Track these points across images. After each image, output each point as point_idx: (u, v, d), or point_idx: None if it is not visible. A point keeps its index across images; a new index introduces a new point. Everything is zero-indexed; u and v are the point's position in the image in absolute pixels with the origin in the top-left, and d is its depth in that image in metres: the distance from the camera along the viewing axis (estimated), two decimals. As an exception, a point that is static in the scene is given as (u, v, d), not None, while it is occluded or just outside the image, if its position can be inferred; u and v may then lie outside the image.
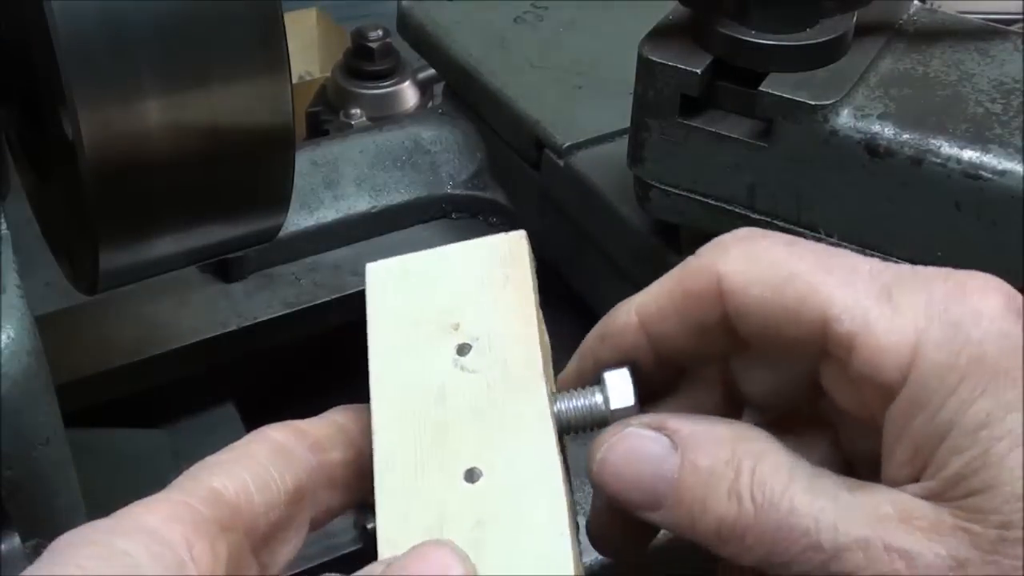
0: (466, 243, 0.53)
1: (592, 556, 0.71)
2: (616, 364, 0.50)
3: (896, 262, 0.46)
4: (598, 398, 0.49)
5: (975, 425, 0.41)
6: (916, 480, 0.43)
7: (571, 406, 0.49)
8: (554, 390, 0.50)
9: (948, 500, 0.42)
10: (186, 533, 0.43)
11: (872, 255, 0.49)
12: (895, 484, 0.44)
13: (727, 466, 0.45)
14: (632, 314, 0.49)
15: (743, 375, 0.51)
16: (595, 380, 0.50)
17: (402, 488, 0.46)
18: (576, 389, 0.50)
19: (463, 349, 0.50)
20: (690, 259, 0.48)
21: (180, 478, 0.46)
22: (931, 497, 0.43)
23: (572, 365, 0.52)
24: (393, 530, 0.45)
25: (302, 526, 0.49)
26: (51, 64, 0.56)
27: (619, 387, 0.49)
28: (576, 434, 0.50)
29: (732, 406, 0.52)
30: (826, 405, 0.49)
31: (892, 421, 0.44)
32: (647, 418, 0.48)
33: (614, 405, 0.49)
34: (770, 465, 0.45)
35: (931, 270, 0.45)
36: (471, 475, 0.46)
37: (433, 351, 0.50)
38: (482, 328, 0.50)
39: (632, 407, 0.49)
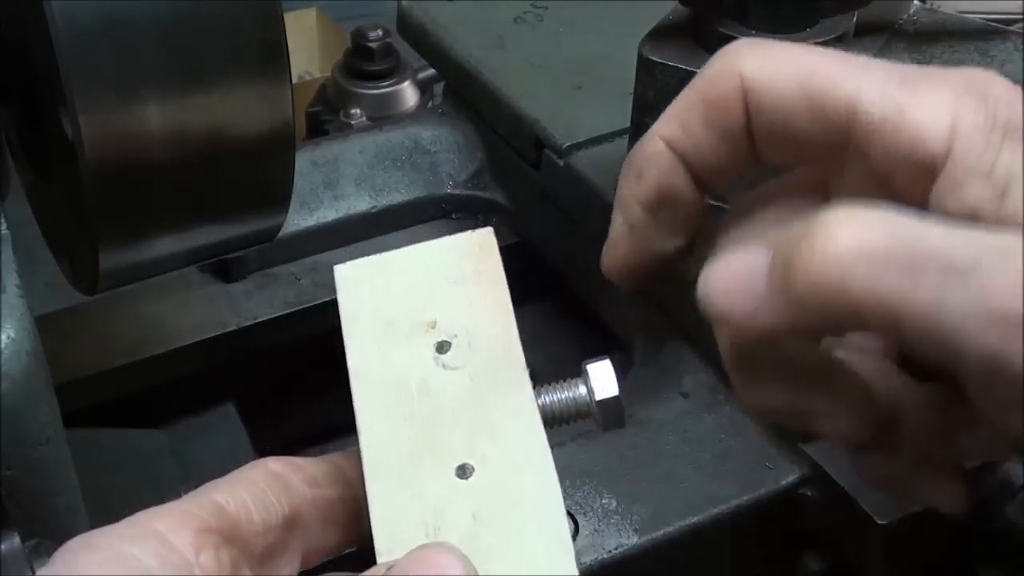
0: (434, 241, 0.53)
1: (592, 556, 0.71)
2: (658, 203, 0.49)
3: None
4: (581, 389, 0.49)
5: None
6: None
7: (555, 398, 0.49)
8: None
9: None
10: (192, 539, 0.44)
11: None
12: None
13: (823, 222, 0.40)
14: (658, 141, 0.49)
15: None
16: (577, 372, 0.50)
17: (394, 486, 0.46)
18: (558, 381, 0.50)
19: (442, 347, 0.50)
20: (705, 69, 0.48)
21: (186, 494, 0.47)
22: None
23: (617, 218, 0.51)
24: (388, 529, 0.45)
25: (295, 557, 0.49)
26: (51, 64, 0.56)
27: (602, 377, 0.49)
28: (560, 426, 0.50)
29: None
30: None
31: (941, 196, 0.42)
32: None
33: (598, 396, 0.49)
34: (863, 207, 0.40)
35: (935, 67, 0.45)
36: (463, 470, 0.46)
37: (412, 350, 0.50)
38: (459, 325, 0.50)
39: (616, 396, 0.49)
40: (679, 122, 0.48)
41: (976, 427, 0.46)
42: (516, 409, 0.48)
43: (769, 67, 0.45)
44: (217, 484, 0.48)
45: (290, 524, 0.48)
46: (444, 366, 0.49)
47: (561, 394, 0.49)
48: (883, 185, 0.44)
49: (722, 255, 0.44)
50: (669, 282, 0.53)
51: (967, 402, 0.41)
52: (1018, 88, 0.44)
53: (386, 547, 0.45)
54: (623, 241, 0.51)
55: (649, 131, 0.49)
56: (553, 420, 0.49)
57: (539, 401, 0.49)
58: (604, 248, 0.52)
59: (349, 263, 0.53)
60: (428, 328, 0.50)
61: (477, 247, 0.53)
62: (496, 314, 0.51)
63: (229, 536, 0.46)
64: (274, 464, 0.49)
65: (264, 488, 0.48)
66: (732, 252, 0.44)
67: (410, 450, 0.47)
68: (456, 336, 0.50)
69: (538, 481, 0.46)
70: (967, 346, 0.37)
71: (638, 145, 0.50)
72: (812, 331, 0.44)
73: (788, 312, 0.41)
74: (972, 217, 0.41)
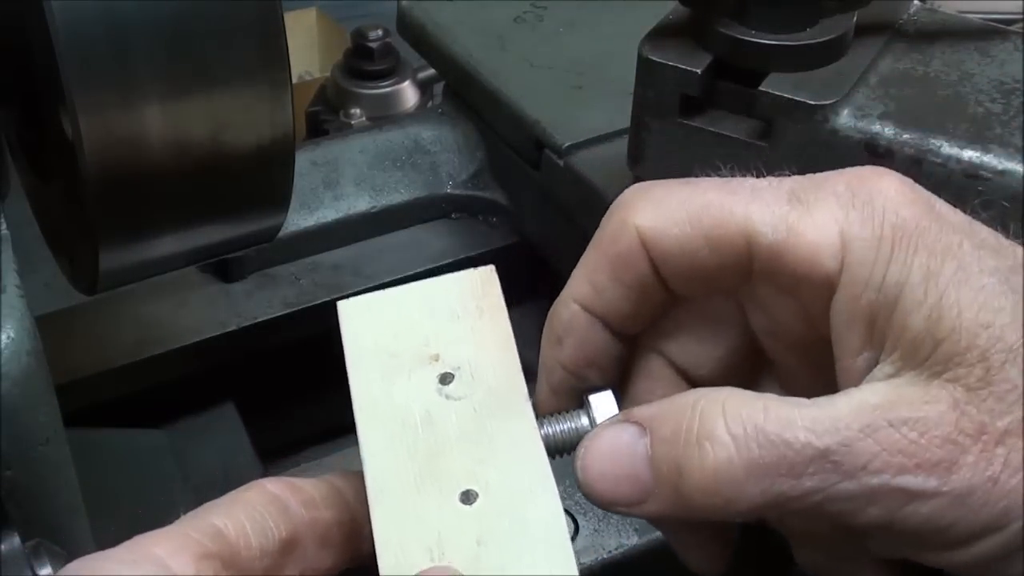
0: (437, 278, 0.54)
1: (592, 556, 0.71)
2: (582, 365, 0.50)
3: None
4: (583, 420, 0.50)
5: (921, 278, 0.43)
6: (877, 363, 0.44)
7: (557, 429, 0.50)
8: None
9: (920, 362, 0.43)
10: (191, 564, 0.44)
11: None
12: (859, 378, 0.45)
13: (692, 422, 0.45)
14: (571, 304, 0.50)
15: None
16: (579, 403, 0.51)
17: (398, 513, 0.46)
18: (561, 412, 0.51)
19: (445, 378, 0.50)
20: (603, 226, 0.49)
21: (183, 517, 0.47)
22: (902, 368, 0.43)
23: (542, 382, 0.53)
24: (393, 555, 0.45)
25: None
26: (51, 64, 0.56)
27: (603, 408, 0.50)
28: (562, 456, 0.50)
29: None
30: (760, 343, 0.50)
31: (839, 311, 0.45)
32: (617, 416, 0.49)
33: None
34: (738, 400, 0.44)
35: (822, 174, 0.47)
36: (467, 497, 0.47)
37: (415, 381, 0.50)
38: (462, 357, 0.51)
39: None
40: (590, 283, 0.50)
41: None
42: (519, 438, 0.48)
43: (662, 214, 0.47)
44: (215, 506, 0.48)
45: (287, 548, 0.48)
46: (447, 397, 0.50)
47: (563, 424, 0.50)
48: (791, 297, 0.47)
49: (597, 430, 0.48)
50: None
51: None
52: (907, 182, 0.45)
53: (390, 571, 0.45)
54: (549, 406, 0.52)
55: (562, 295, 0.51)
56: (555, 449, 0.50)
57: (542, 431, 0.49)
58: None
59: (352, 299, 0.54)
60: (431, 360, 0.51)
61: (479, 284, 0.54)
62: (498, 347, 0.51)
63: (227, 560, 0.46)
64: (272, 486, 0.49)
65: (262, 511, 0.48)
66: (605, 427, 0.48)
67: (414, 478, 0.47)
68: (459, 368, 0.51)
69: (542, 508, 0.46)
70: (856, 520, 0.43)
71: (553, 309, 0.51)
72: (701, 518, 0.47)
73: (678, 507, 0.45)
74: (871, 325, 0.44)
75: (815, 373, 0.48)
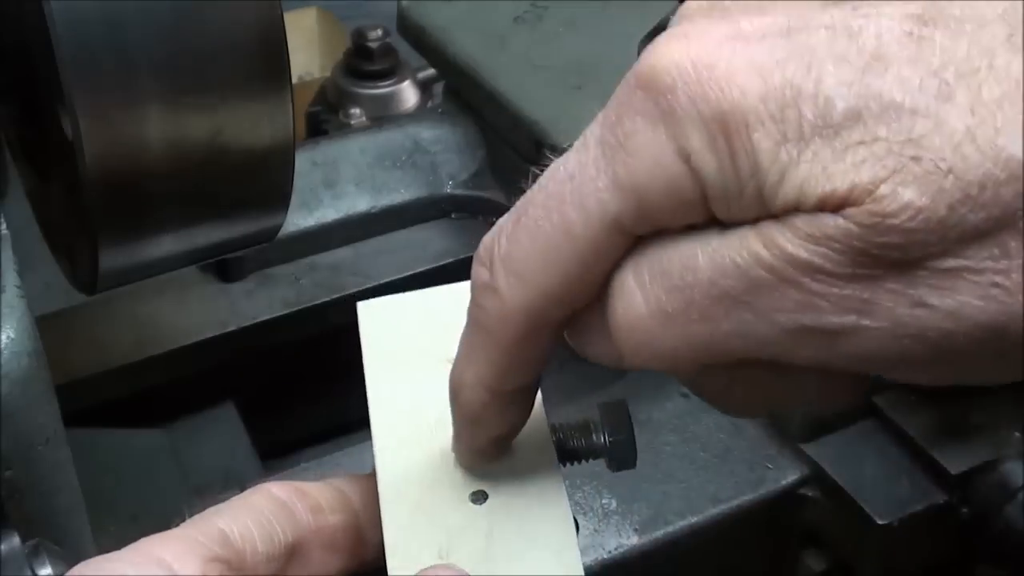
0: (454, 284, 0.54)
1: (592, 556, 0.71)
2: (508, 433, 0.48)
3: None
4: (595, 430, 0.50)
5: (770, 149, 0.36)
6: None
7: (569, 436, 0.50)
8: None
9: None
10: (197, 567, 0.44)
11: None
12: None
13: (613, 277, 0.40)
14: (479, 391, 0.46)
15: None
16: (591, 412, 0.51)
17: (408, 510, 0.47)
18: (573, 421, 0.51)
19: None
20: (480, 318, 0.44)
21: (189, 520, 0.47)
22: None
23: (468, 455, 0.49)
24: (401, 551, 0.46)
25: None
26: (51, 64, 0.56)
27: (615, 418, 0.50)
28: (573, 464, 0.50)
29: None
30: None
31: (728, 218, 0.38)
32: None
33: (611, 436, 0.50)
34: (654, 245, 0.39)
35: (617, 91, 0.41)
36: (477, 496, 0.47)
37: (430, 384, 0.51)
38: None
39: (628, 438, 0.50)
40: (496, 369, 0.45)
41: None
42: (531, 441, 0.49)
43: (535, 285, 0.41)
44: (221, 510, 0.47)
45: (292, 553, 0.48)
46: None
47: (575, 432, 0.50)
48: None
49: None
50: None
51: None
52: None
53: (399, 569, 0.45)
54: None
55: (465, 379, 0.46)
56: (566, 457, 0.50)
57: (553, 438, 0.50)
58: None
59: (372, 300, 0.54)
60: (447, 364, 0.51)
61: None
62: None
63: (233, 565, 0.46)
64: (278, 490, 0.49)
65: (268, 516, 0.48)
66: None
67: (426, 477, 0.48)
68: None
69: (551, 510, 0.47)
70: (791, 356, 0.38)
71: (457, 390, 0.47)
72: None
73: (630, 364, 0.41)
74: (759, 212, 0.38)
75: None
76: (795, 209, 0.36)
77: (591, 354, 0.43)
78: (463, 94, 1.04)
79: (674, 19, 0.41)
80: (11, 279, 0.58)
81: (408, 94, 1.54)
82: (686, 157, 0.37)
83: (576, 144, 0.42)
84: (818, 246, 0.36)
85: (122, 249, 0.63)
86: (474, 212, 1.03)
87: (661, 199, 0.38)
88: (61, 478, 0.61)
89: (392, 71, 1.53)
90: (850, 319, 0.37)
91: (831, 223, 0.36)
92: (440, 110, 1.08)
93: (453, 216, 1.03)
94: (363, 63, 1.52)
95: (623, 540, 0.71)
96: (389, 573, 0.45)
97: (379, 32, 1.53)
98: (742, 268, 0.37)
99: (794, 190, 0.36)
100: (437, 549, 0.45)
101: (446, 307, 0.53)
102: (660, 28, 0.76)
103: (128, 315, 0.91)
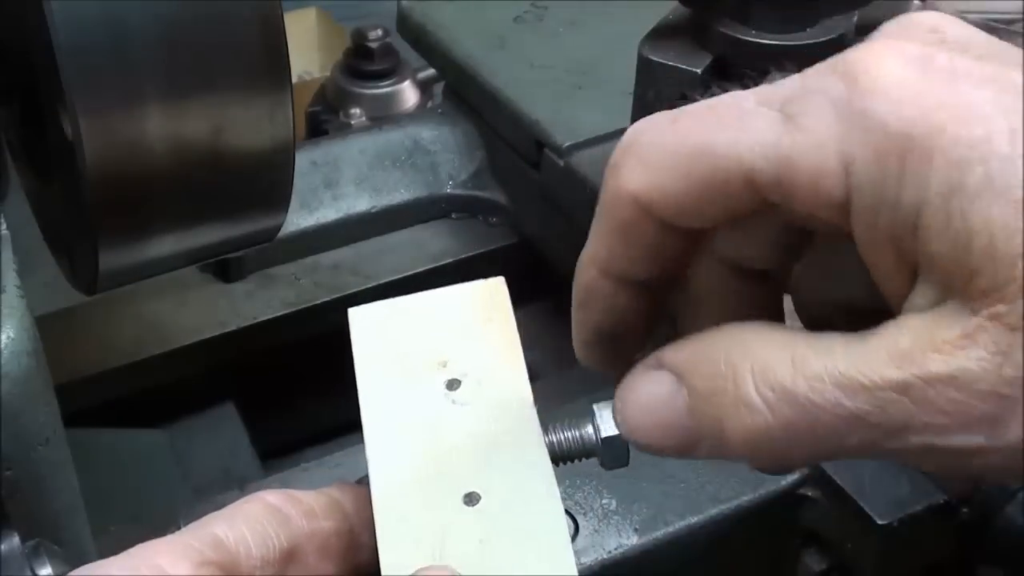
0: (446, 288, 0.54)
1: (592, 556, 0.71)
2: (606, 325, 0.48)
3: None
4: (588, 428, 0.50)
5: (940, 196, 0.37)
6: (918, 281, 0.39)
7: (561, 436, 0.50)
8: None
9: (959, 291, 0.38)
10: (192, 573, 0.45)
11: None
12: (900, 302, 0.40)
13: (726, 380, 0.42)
14: (590, 268, 0.47)
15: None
16: (584, 411, 0.51)
17: (401, 512, 0.47)
18: (565, 421, 0.51)
19: (452, 384, 0.51)
20: (601, 198, 0.46)
21: (185, 527, 0.47)
22: (943, 294, 0.38)
23: (575, 338, 0.49)
24: (394, 553, 0.46)
25: None
26: (51, 64, 0.56)
27: (608, 417, 0.50)
28: (566, 463, 0.50)
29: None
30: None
31: (861, 238, 0.40)
32: (648, 359, 0.46)
33: (603, 434, 0.50)
34: (765, 356, 0.41)
35: (820, 65, 0.41)
36: (470, 499, 0.47)
37: (423, 387, 0.51)
38: (470, 364, 0.51)
39: (621, 436, 0.50)
40: (605, 247, 0.46)
41: None
42: (524, 443, 0.49)
43: (654, 175, 0.43)
44: (216, 517, 0.48)
45: (287, 558, 0.48)
46: (454, 402, 0.51)
47: (568, 432, 0.50)
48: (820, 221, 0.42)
49: (632, 380, 0.46)
50: None
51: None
52: (914, 54, 0.39)
53: (392, 570, 0.45)
54: (583, 361, 0.49)
55: (581, 256, 0.48)
56: (559, 457, 0.50)
57: (546, 438, 0.50)
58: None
59: (363, 306, 0.54)
60: (439, 367, 0.51)
61: (489, 294, 0.55)
62: (506, 355, 0.52)
63: (228, 570, 0.46)
64: (272, 497, 0.49)
65: (263, 522, 0.48)
66: (640, 377, 0.45)
67: (419, 479, 0.48)
68: (466, 375, 0.51)
69: (544, 511, 0.47)
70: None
71: (576, 272, 0.48)
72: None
73: (729, 457, 0.43)
74: (898, 249, 0.39)
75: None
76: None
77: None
78: (463, 94, 1.04)
79: (889, 26, 0.42)
80: (11, 279, 0.58)
81: (408, 94, 1.54)
82: (850, 160, 0.39)
83: (761, 88, 0.43)
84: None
85: (122, 249, 0.63)
86: (474, 212, 1.03)
87: (804, 183, 0.40)
88: (61, 478, 0.61)
89: (392, 71, 1.53)
90: (978, 440, 0.38)
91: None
92: (440, 110, 1.08)
93: (453, 216, 1.03)
94: (363, 63, 1.52)
95: (623, 540, 0.71)
96: (383, 574, 0.45)
97: (379, 32, 1.53)
98: (870, 390, 0.39)
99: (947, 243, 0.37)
100: (431, 551, 0.45)
101: (438, 311, 0.54)
102: (660, 28, 0.76)
103: (128, 315, 0.91)
